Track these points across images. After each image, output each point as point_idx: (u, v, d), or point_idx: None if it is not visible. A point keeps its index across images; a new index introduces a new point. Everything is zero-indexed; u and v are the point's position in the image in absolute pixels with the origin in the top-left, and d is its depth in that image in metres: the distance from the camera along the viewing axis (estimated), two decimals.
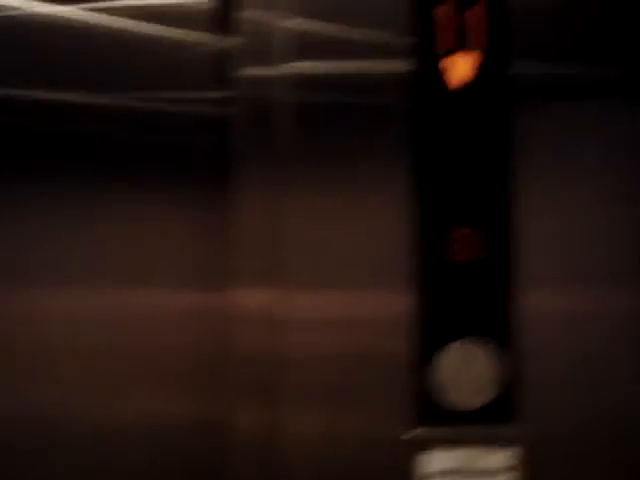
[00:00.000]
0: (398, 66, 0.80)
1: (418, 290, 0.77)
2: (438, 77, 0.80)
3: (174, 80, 0.82)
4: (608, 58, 0.81)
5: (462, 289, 0.77)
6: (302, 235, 0.78)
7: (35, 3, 0.84)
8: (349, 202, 0.79)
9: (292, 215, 0.78)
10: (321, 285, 0.78)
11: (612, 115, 0.80)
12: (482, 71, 0.80)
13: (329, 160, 0.79)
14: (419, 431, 0.75)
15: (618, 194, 0.78)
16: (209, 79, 0.81)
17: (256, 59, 0.79)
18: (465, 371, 0.76)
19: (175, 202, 0.80)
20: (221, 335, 0.77)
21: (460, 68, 0.80)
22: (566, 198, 0.78)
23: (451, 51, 0.80)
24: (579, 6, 0.82)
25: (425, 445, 0.75)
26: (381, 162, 0.80)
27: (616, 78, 0.81)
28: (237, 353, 0.75)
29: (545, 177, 0.79)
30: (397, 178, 0.79)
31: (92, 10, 0.83)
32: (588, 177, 0.79)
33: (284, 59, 0.80)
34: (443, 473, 0.75)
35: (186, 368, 0.78)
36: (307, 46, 0.80)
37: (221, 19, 0.81)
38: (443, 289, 0.77)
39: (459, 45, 0.80)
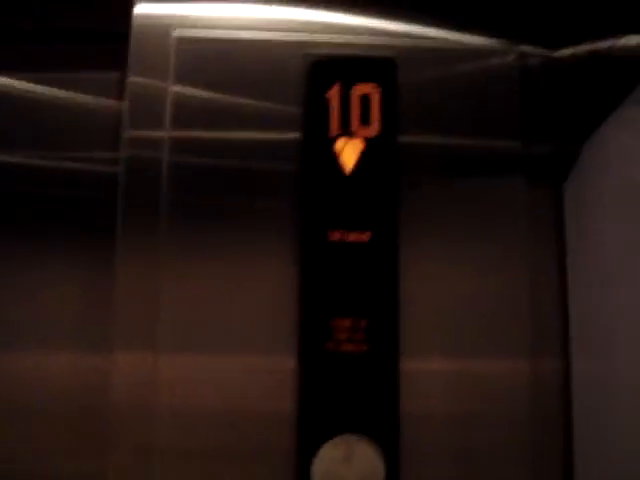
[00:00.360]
0: (286, 136, 0.80)
1: (299, 378, 0.74)
2: (328, 158, 0.78)
3: (69, 139, 0.86)
4: (504, 132, 0.82)
5: (345, 381, 0.74)
6: (180, 300, 0.76)
7: None
8: (232, 270, 0.78)
9: (172, 278, 0.77)
10: (196, 352, 0.76)
11: (505, 191, 0.81)
12: (367, 156, 0.79)
13: (212, 225, 0.78)
14: None
15: (507, 272, 0.79)
16: (100, 139, 0.85)
17: (144, 122, 0.79)
18: (346, 467, 0.73)
19: (63, 258, 0.82)
20: (97, 394, 0.76)
21: (347, 152, 0.79)
22: (450, 283, 0.78)
23: (339, 135, 0.79)
24: (475, 80, 0.83)
25: None
26: (265, 233, 0.78)
27: (511, 152, 0.82)
28: (114, 413, 0.74)
29: (432, 265, 0.78)
30: (281, 252, 0.77)
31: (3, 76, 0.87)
32: (474, 257, 0.79)
33: (171, 123, 0.79)
34: None
35: (63, 425, 0.79)
36: (192, 112, 0.80)
37: (115, 84, 0.84)
38: (325, 380, 0.74)
39: (346, 130, 0.79)
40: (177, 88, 0.79)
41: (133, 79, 0.80)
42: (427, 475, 0.74)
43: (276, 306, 0.76)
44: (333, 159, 0.79)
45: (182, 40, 0.81)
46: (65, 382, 0.80)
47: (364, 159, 0.79)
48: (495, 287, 0.79)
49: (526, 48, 0.85)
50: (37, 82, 0.87)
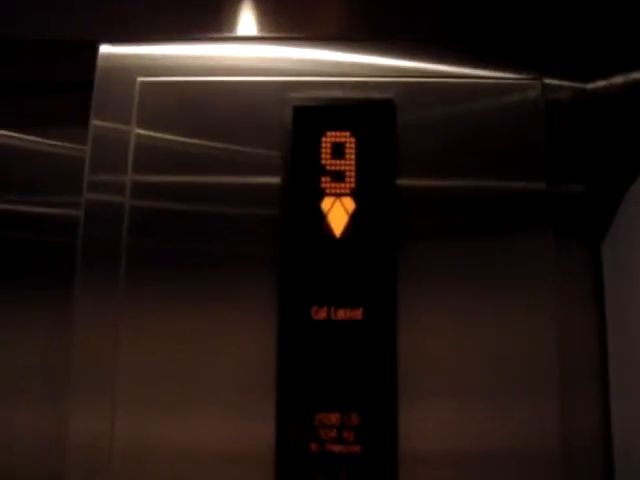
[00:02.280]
0: (258, 180, 0.70)
1: None
2: (313, 218, 0.67)
3: (36, 185, 0.80)
4: (527, 176, 0.69)
5: None
6: (140, 354, 0.67)
7: None
8: (198, 324, 0.67)
9: (132, 330, 0.68)
10: (163, 410, 0.66)
11: (529, 246, 0.68)
12: (360, 216, 0.67)
13: (176, 274, 0.69)
14: None
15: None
16: (63, 184, 0.79)
17: (106, 167, 0.72)
18: None
19: (24, 304, 0.76)
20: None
21: (336, 212, 0.67)
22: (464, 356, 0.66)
23: (326, 194, 0.67)
24: (493, 118, 0.70)
25: None
26: (237, 286, 0.68)
27: (536, 200, 0.69)
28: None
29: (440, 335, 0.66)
30: (256, 315, 0.67)
31: None
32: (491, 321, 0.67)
33: (133, 167, 0.71)
34: None
35: None
36: (156, 155, 0.72)
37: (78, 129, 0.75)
38: None
39: (334, 190, 0.68)
40: (141, 131, 0.71)
41: (96, 123, 0.72)
42: None
43: (249, 368, 0.66)
44: (319, 220, 0.67)
45: (147, 85, 0.71)
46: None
47: (356, 220, 0.67)
48: (520, 348, 0.66)
49: (552, 81, 0.72)
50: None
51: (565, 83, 0.73)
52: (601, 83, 0.73)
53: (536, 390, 0.65)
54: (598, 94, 0.73)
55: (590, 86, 0.73)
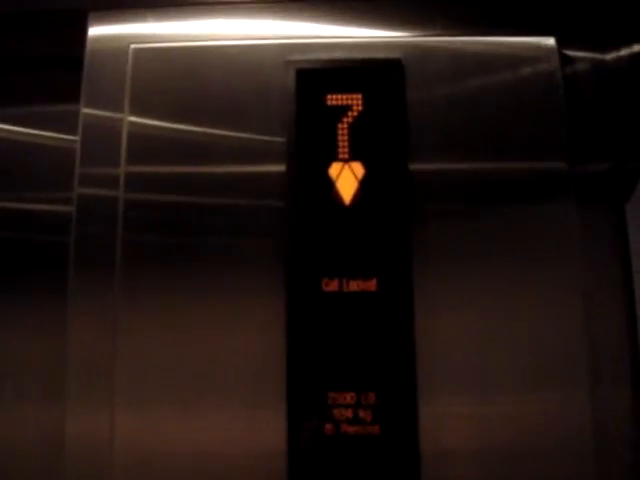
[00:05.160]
0: (272, 169, 0.65)
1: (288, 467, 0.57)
2: (321, 186, 0.63)
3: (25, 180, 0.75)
4: (546, 150, 0.65)
5: (350, 473, 0.57)
6: (138, 351, 0.63)
7: None
8: (201, 321, 0.63)
9: (129, 328, 0.63)
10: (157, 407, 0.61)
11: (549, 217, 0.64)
12: (369, 183, 0.63)
13: (175, 270, 0.64)
14: None
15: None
16: (53, 178, 0.74)
17: (99, 159, 0.67)
18: None
19: (13, 305, 0.71)
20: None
21: (345, 179, 0.63)
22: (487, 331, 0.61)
23: (335, 160, 0.63)
24: (508, 91, 0.66)
25: None
26: (242, 278, 0.63)
27: (556, 173, 0.64)
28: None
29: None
30: (263, 303, 0.62)
31: None
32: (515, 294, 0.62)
33: (127, 157, 0.66)
34: None
35: None
36: (151, 143, 0.66)
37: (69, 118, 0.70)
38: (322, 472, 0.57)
39: (344, 155, 0.63)
40: (134, 109, 0.66)
41: (86, 110, 0.67)
42: None
43: (255, 361, 0.61)
44: (328, 187, 0.63)
45: (140, 52, 0.67)
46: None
47: (366, 186, 0.63)
48: (545, 324, 0.61)
49: (572, 51, 0.68)
50: None
51: (585, 54, 0.69)
52: (623, 52, 0.68)
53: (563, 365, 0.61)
54: (619, 64, 0.69)
55: (610, 56, 0.69)
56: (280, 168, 0.64)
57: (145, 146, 0.66)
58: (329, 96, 0.64)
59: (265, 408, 0.60)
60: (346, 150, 0.63)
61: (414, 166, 0.64)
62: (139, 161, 0.66)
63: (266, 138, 0.65)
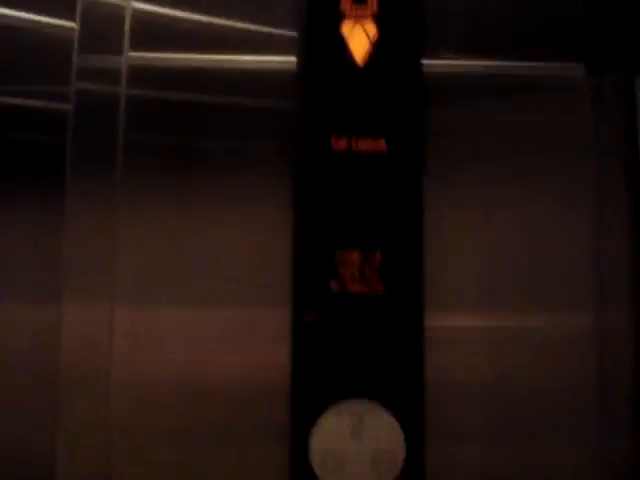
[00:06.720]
0: (283, 64, 0.63)
1: (293, 332, 0.57)
2: (332, 44, 0.60)
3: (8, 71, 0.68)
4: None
5: (352, 333, 0.57)
6: (140, 248, 0.61)
7: None
8: (206, 207, 0.61)
9: (132, 225, 0.61)
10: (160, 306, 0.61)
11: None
12: (383, 42, 0.60)
13: (180, 166, 0.62)
14: None
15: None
16: (44, 70, 0.67)
17: (97, 48, 0.64)
18: (354, 442, 0.57)
19: (7, 207, 0.66)
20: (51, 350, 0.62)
21: (357, 37, 0.60)
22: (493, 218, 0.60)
23: (345, 17, 0.61)
24: None
25: None
26: (252, 172, 0.62)
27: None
28: (67, 370, 0.61)
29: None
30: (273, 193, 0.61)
31: None
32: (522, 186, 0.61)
33: (132, 48, 0.63)
34: None
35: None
36: (159, 34, 0.63)
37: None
38: (327, 332, 0.57)
39: (354, 12, 0.61)
40: (138, 4, 0.63)
41: None
42: (459, 454, 0.57)
43: (261, 243, 0.60)
44: (340, 45, 0.60)
45: None
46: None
47: (379, 46, 0.60)
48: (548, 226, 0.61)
49: None
50: None
51: None
52: None
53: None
54: None
55: None
56: (291, 65, 0.62)
57: (150, 37, 0.63)
58: None
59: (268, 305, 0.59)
60: (359, 7, 0.61)
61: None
62: (143, 52, 0.63)
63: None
